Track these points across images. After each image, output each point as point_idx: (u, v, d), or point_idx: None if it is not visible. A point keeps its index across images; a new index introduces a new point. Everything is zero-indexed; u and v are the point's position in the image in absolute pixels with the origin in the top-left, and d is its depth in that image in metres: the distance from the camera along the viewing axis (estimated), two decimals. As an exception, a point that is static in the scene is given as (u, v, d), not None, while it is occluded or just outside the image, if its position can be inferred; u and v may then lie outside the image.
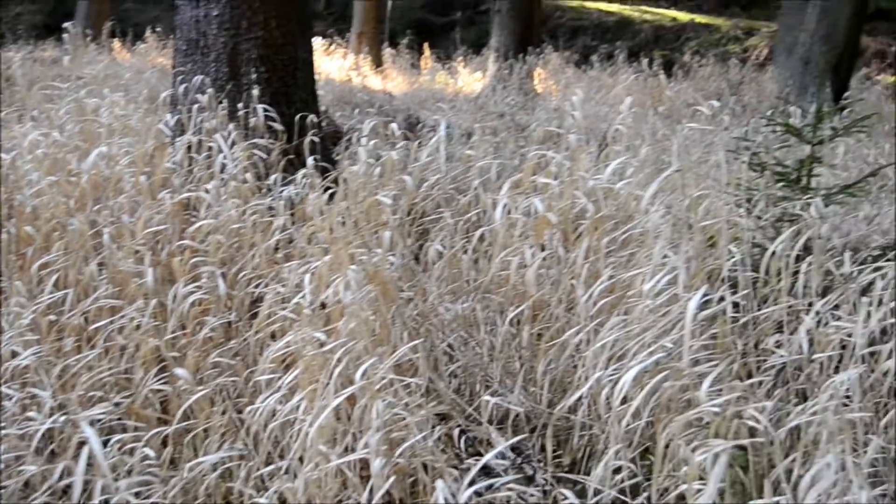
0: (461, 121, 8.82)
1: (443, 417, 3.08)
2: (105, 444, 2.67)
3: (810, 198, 3.57)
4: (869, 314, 2.77)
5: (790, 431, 2.60)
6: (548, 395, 3.18)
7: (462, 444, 2.95)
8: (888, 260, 3.32)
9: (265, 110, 4.76)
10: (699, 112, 4.47)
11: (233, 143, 4.45)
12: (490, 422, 3.09)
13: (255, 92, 4.84)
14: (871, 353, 2.76)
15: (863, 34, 16.24)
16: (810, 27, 12.09)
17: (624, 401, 2.65)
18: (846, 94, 10.74)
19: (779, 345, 3.00)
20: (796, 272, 3.19)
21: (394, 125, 4.53)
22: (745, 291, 3.10)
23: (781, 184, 3.83)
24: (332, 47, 16.95)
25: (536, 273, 3.46)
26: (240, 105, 4.84)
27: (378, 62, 16.44)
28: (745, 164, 3.87)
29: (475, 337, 3.45)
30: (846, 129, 3.95)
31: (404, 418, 2.68)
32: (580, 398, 2.91)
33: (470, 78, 14.94)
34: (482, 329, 3.44)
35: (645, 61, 14.66)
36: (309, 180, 4.04)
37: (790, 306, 3.11)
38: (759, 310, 3.16)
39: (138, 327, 3.21)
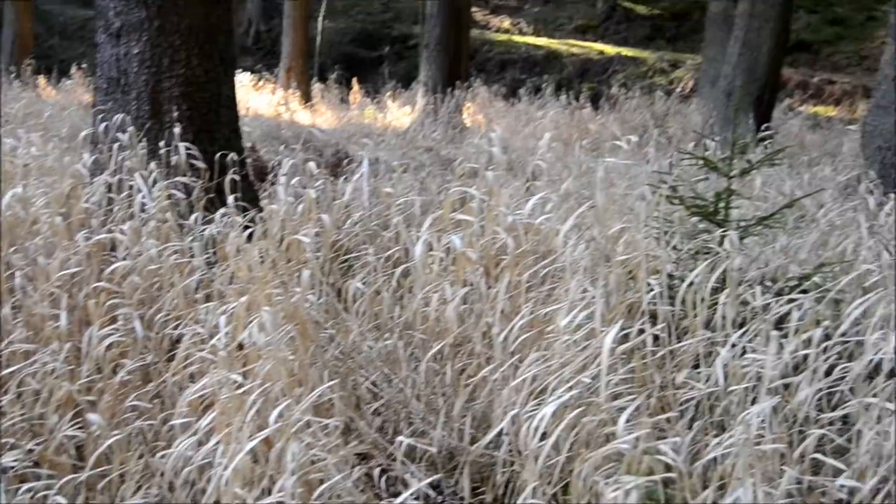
0: (389, 156, 8.82)
1: (364, 457, 3.06)
2: (16, 492, 2.61)
3: (725, 230, 3.62)
4: (781, 346, 2.80)
5: (708, 464, 2.62)
6: (470, 431, 3.17)
7: (382, 484, 2.93)
8: (802, 290, 3.37)
9: (187, 148, 4.71)
10: (620, 146, 4.52)
11: (154, 182, 4.40)
12: (413, 460, 3.08)
13: (177, 130, 4.79)
14: (786, 386, 2.79)
15: (785, 66, 16.58)
16: (732, 60, 12.31)
17: (544, 437, 2.65)
18: (766, 126, 10.92)
19: (696, 378, 3.02)
20: (715, 304, 3.22)
21: (311, 164, 4.50)
22: (662, 324, 3.12)
23: (699, 217, 3.87)
24: (261, 83, 16.94)
25: (458, 309, 3.45)
26: (161, 143, 4.79)
27: (307, 97, 16.46)
28: (664, 197, 3.91)
29: (398, 374, 3.44)
30: (761, 162, 4.02)
31: (323, 459, 2.65)
32: (500, 434, 2.91)
33: (399, 112, 14.99)
34: (404, 366, 3.43)
35: (572, 94, 14.85)
36: (229, 219, 4.01)
37: (709, 339, 3.14)
38: (678, 342, 3.19)
39: (52, 371, 3.15)
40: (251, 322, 2.98)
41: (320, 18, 20.48)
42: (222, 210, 4.13)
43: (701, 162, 4.19)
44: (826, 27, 25.01)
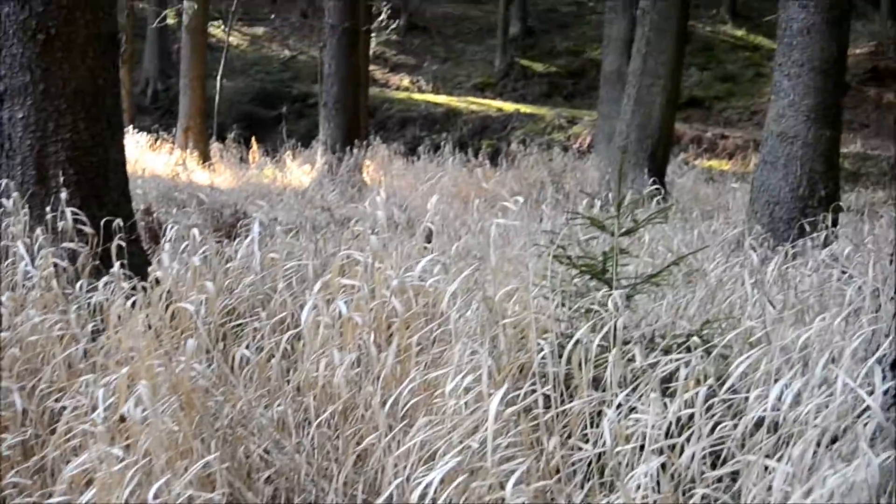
0: (286, 216, 8.78)
1: (251, 530, 3.00)
2: None
3: (613, 289, 3.65)
4: (666, 405, 2.83)
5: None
6: (363, 496, 3.13)
7: (270, 557, 2.88)
8: (688, 348, 3.41)
9: (74, 214, 4.62)
10: (511, 205, 4.55)
11: (39, 249, 4.30)
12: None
13: (64, 195, 4.70)
14: (672, 446, 2.80)
15: (679, 122, 17.00)
16: (626, 117, 12.57)
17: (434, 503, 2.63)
18: (656, 181, 11.13)
19: (586, 439, 3.03)
20: (604, 364, 3.23)
21: (194, 230, 4.44)
22: (549, 386, 3.12)
23: (588, 276, 3.90)
24: (158, 142, 16.79)
25: (349, 374, 3.42)
26: (48, 209, 4.69)
27: (205, 157, 16.34)
28: (552, 257, 3.94)
29: (289, 441, 3.39)
30: (647, 221, 4.08)
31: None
32: (390, 501, 2.88)
33: (298, 171, 14.97)
34: (294, 433, 3.38)
35: (471, 151, 15.01)
36: (114, 286, 3.93)
37: (598, 399, 3.15)
38: (570, 402, 3.19)
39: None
40: (133, 394, 2.91)
41: (219, 77, 20.39)
42: (105, 278, 4.04)
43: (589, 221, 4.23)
44: (717, 84, 25.78)
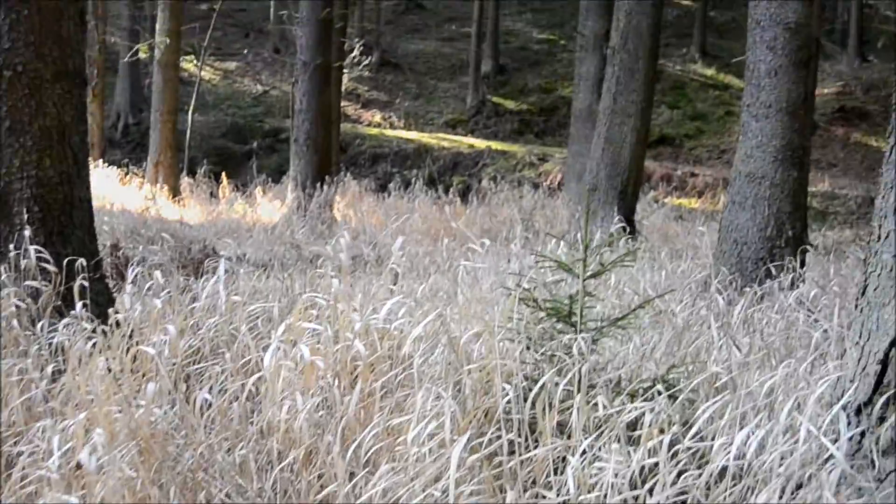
0: (255, 253, 8.73)
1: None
2: None
3: (578, 333, 3.64)
4: (630, 453, 2.81)
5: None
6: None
7: None
8: (655, 394, 3.39)
9: (38, 252, 4.57)
10: (478, 247, 4.54)
11: (1, 288, 4.25)
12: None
13: (28, 233, 4.64)
14: (635, 498, 2.78)
15: (649, 159, 17.09)
16: (596, 155, 12.60)
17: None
18: (622, 219, 11.15)
19: (550, 487, 3.00)
20: (570, 409, 3.21)
21: (157, 273, 4.40)
22: (514, 432, 3.10)
23: (554, 319, 3.89)
24: (128, 176, 16.72)
25: (312, 418, 3.38)
26: (11, 246, 4.64)
27: (175, 191, 16.27)
28: (518, 299, 3.92)
29: (251, 486, 3.34)
30: (613, 264, 4.08)
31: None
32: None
33: (269, 207, 14.92)
34: (256, 477, 3.33)
35: (441, 188, 15.04)
36: (76, 327, 3.87)
37: (563, 445, 3.13)
38: (534, 448, 3.17)
39: None
40: (89, 441, 2.86)
41: (190, 112, 20.35)
42: (66, 319, 3.99)
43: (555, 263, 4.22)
44: (687, 122, 26.01)
